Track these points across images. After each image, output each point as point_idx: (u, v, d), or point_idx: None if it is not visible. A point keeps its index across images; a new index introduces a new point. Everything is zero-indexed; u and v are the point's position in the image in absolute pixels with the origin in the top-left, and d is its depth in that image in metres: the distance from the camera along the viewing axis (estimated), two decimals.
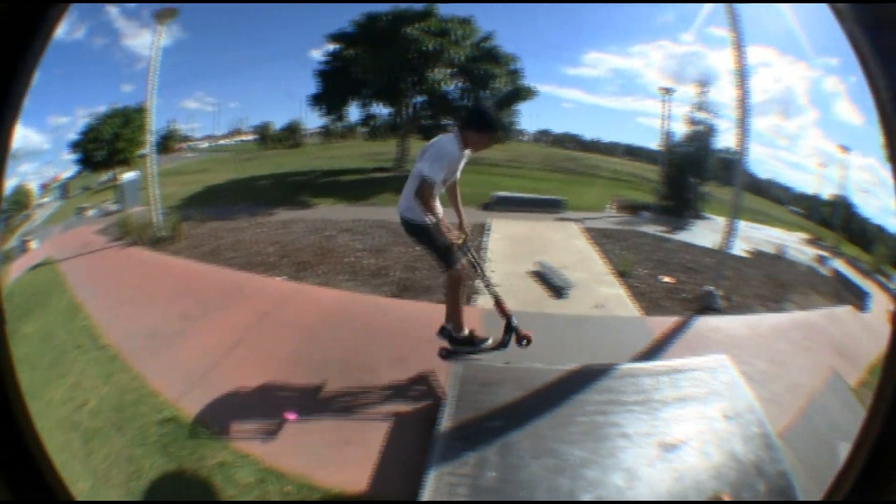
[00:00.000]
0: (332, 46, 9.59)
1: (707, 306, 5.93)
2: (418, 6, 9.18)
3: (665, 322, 5.17)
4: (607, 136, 11.37)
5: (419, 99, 9.69)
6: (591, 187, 10.62)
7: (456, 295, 3.87)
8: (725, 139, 8.64)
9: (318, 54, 9.72)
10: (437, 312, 4.86)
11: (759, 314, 6.39)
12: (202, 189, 9.09)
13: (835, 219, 9.76)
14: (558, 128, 11.46)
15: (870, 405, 1.53)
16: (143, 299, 5.30)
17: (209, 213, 7.72)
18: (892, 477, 1.38)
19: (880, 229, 9.21)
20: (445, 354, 3.93)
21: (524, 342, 3.92)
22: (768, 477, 3.07)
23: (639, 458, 2.97)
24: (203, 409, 3.25)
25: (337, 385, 3.64)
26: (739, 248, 8.39)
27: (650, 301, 5.50)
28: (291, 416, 3.23)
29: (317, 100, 9.75)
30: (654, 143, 10.20)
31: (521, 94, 9.57)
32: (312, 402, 3.47)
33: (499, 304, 3.93)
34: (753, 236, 9.49)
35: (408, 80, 9.22)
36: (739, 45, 6.03)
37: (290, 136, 10.50)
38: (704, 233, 8.49)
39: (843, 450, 4.19)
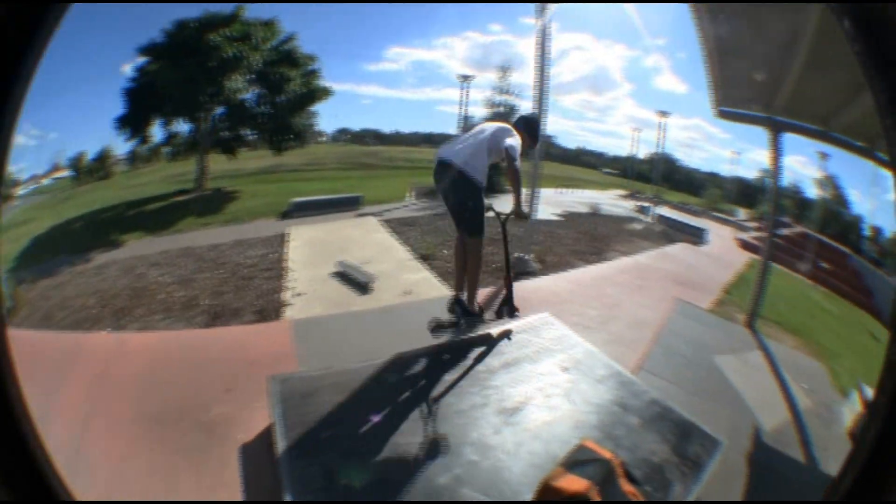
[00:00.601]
0: (140, 60, 8.51)
1: (520, 272, 6.29)
2: (226, 10, 8.64)
3: (479, 295, 5.37)
4: (407, 128, 11.78)
5: (219, 111, 9.18)
6: (389, 180, 10.92)
7: (480, 264, 4.28)
8: None
9: (128, 70, 8.62)
10: (249, 334, 4.91)
11: (581, 268, 7.02)
12: (29, 243, 7.82)
13: (654, 173, 11.12)
14: (357, 125, 11.56)
15: (869, 404, 1.53)
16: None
17: (38, 271, 6.80)
18: (892, 477, 1.38)
19: (715, 175, 11.00)
20: (436, 327, 4.21)
21: (516, 313, 4.30)
22: (637, 410, 3.28)
23: (483, 429, 3.05)
24: (90, 492, 2.92)
25: (182, 430, 3.47)
26: (549, 213, 9.18)
27: None
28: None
29: (122, 122, 8.71)
30: (452, 129, 10.68)
31: (317, 94, 9.46)
32: (165, 454, 3.26)
33: (508, 277, 4.32)
34: (564, 200, 10.43)
35: (206, 91, 8.68)
36: (543, 32, 6.75)
37: (101, 166, 9.31)
38: (508, 205, 9.04)
39: (721, 362, 4.63)
